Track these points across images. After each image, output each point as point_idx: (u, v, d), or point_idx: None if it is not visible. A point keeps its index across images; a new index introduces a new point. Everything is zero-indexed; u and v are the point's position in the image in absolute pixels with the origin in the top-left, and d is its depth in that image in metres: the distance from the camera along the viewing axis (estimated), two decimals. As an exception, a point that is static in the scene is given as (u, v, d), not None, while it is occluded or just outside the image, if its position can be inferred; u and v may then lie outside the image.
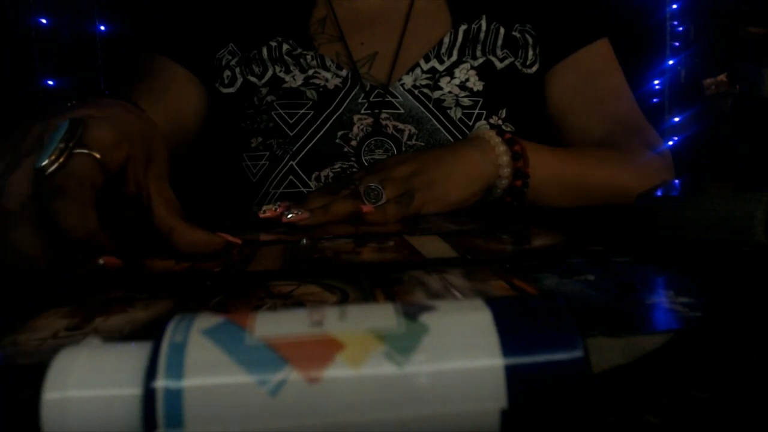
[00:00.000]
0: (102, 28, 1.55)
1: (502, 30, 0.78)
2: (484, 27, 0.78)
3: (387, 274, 0.43)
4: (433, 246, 0.54)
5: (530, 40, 0.79)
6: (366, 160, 0.73)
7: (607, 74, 0.84)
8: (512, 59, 0.79)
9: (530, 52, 0.79)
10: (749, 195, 0.47)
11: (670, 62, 1.89)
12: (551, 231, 0.59)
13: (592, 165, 0.72)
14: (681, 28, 1.89)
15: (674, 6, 1.88)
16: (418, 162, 0.63)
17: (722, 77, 2.01)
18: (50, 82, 1.52)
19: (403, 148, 0.74)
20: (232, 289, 0.41)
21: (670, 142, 1.87)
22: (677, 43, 1.89)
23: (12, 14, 1.48)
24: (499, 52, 0.78)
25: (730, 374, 0.26)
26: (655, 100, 1.87)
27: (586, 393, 0.20)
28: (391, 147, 0.74)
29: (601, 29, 0.84)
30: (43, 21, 1.52)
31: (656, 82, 1.87)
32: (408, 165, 0.63)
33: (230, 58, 0.79)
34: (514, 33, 0.79)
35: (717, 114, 1.97)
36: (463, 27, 0.78)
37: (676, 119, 1.88)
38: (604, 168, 0.73)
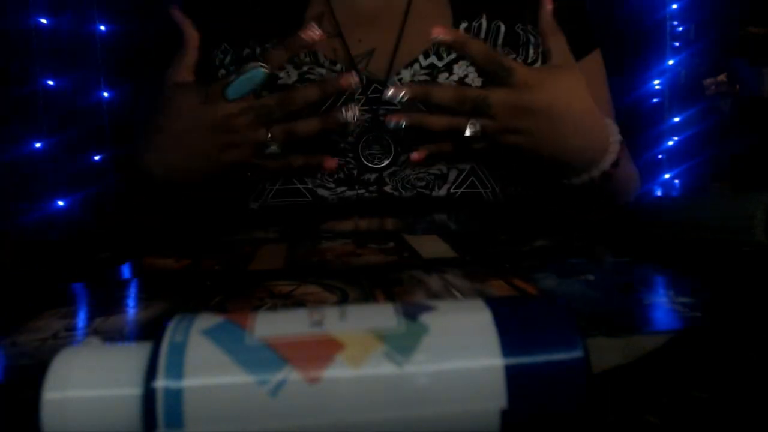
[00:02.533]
0: (102, 28, 1.55)
1: (503, 27, 0.78)
2: (485, 26, 0.78)
3: (387, 275, 0.43)
4: (433, 246, 0.54)
5: (532, 38, 0.80)
6: (364, 156, 0.73)
7: (600, 85, 0.85)
8: (514, 56, 0.78)
9: (531, 50, 0.79)
10: (749, 195, 0.47)
11: (670, 62, 1.89)
12: (551, 231, 0.59)
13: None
14: (681, 28, 1.89)
15: (674, 6, 1.88)
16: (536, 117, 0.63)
17: (722, 77, 2.01)
18: (50, 82, 1.52)
19: (400, 143, 0.74)
20: (232, 289, 0.41)
21: (670, 142, 1.87)
22: (677, 43, 1.89)
23: (12, 14, 1.48)
24: (500, 51, 0.78)
25: (730, 374, 0.26)
26: (655, 100, 1.87)
27: (586, 393, 0.20)
28: (389, 142, 0.74)
29: (596, 39, 0.85)
30: (43, 21, 1.51)
31: (656, 82, 1.87)
32: (525, 115, 0.63)
33: (223, 57, 0.79)
34: (516, 29, 0.79)
35: (717, 114, 1.97)
36: (464, 25, 0.78)
37: (676, 119, 1.88)
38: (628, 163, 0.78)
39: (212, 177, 0.65)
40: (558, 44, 0.67)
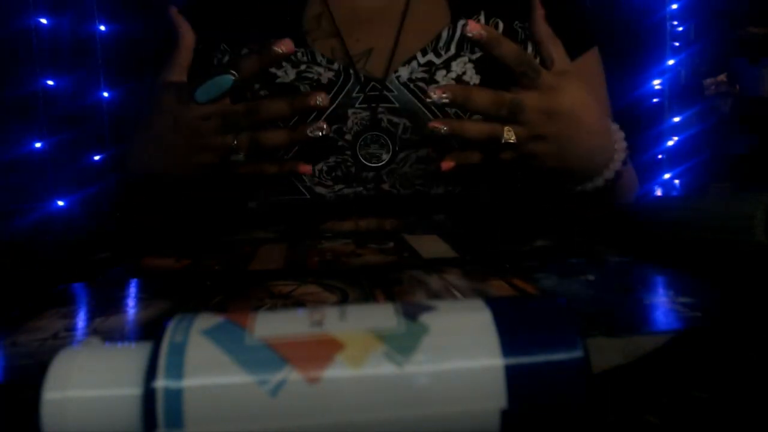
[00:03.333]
0: (102, 28, 1.55)
1: (501, 25, 0.78)
2: (483, 22, 0.78)
3: (387, 275, 0.43)
4: (433, 246, 0.54)
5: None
6: (362, 155, 0.73)
7: (599, 84, 0.84)
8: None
9: (530, 47, 0.79)
10: (749, 195, 0.47)
11: (670, 62, 1.89)
12: (551, 231, 0.59)
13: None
14: (681, 28, 1.89)
15: (674, 6, 1.88)
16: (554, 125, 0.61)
17: (722, 77, 2.01)
18: (50, 82, 1.52)
19: (398, 142, 0.74)
20: (232, 289, 0.41)
21: (670, 142, 1.87)
22: (677, 43, 1.89)
23: (12, 14, 1.48)
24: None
25: (730, 374, 0.26)
26: (655, 100, 1.87)
27: (586, 393, 0.20)
28: (387, 141, 0.74)
29: (594, 37, 0.84)
30: (43, 21, 1.51)
31: (656, 82, 1.87)
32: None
33: (221, 57, 0.79)
34: (514, 26, 0.79)
35: (717, 114, 1.97)
36: (462, 22, 0.78)
37: (676, 119, 1.88)
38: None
39: (186, 178, 0.65)
40: (558, 49, 0.65)
